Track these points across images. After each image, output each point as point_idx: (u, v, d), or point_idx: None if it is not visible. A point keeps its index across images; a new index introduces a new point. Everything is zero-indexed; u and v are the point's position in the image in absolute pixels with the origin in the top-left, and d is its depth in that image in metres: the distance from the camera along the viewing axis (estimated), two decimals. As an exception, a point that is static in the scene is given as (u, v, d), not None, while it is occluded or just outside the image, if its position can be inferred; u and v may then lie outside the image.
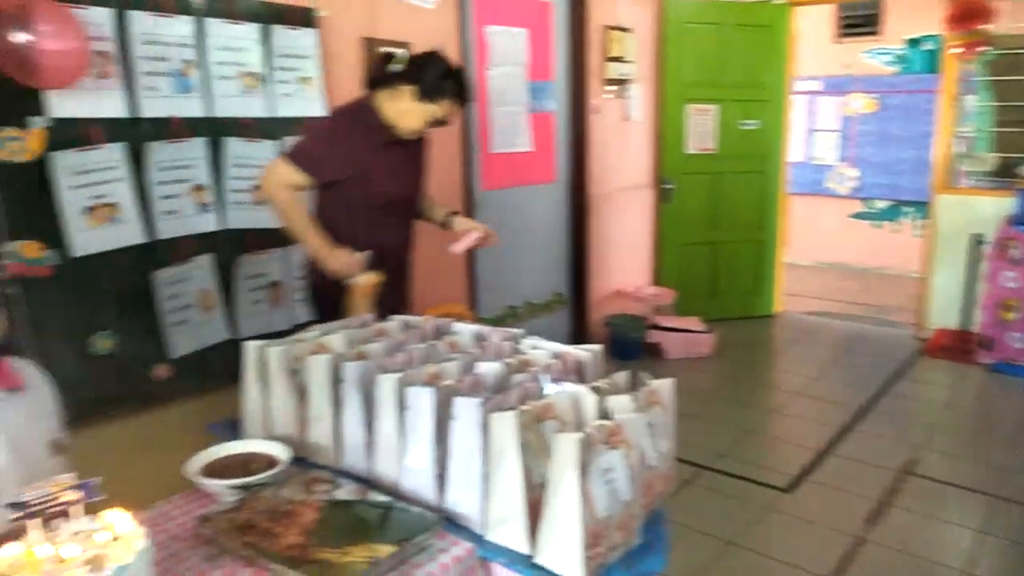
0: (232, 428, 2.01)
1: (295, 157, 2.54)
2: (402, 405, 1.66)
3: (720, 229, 5.94)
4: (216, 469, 1.72)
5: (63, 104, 2.47)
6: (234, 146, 2.96)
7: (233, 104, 2.94)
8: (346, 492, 1.65)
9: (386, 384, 1.69)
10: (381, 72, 2.67)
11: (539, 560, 1.44)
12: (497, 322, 4.44)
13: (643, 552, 1.52)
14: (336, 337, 2.00)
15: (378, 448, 1.73)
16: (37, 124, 2.43)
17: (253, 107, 3.01)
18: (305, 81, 3.20)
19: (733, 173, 5.88)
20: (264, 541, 1.45)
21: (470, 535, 1.54)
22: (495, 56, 4.30)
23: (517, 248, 4.61)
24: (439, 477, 1.61)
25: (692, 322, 5.41)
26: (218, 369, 2.83)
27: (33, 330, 2.41)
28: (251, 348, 1.96)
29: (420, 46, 3.66)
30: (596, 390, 1.64)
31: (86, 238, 2.55)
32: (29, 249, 2.43)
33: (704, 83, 5.67)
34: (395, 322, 2.18)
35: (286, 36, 3.09)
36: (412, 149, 2.79)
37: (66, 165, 2.49)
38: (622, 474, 1.48)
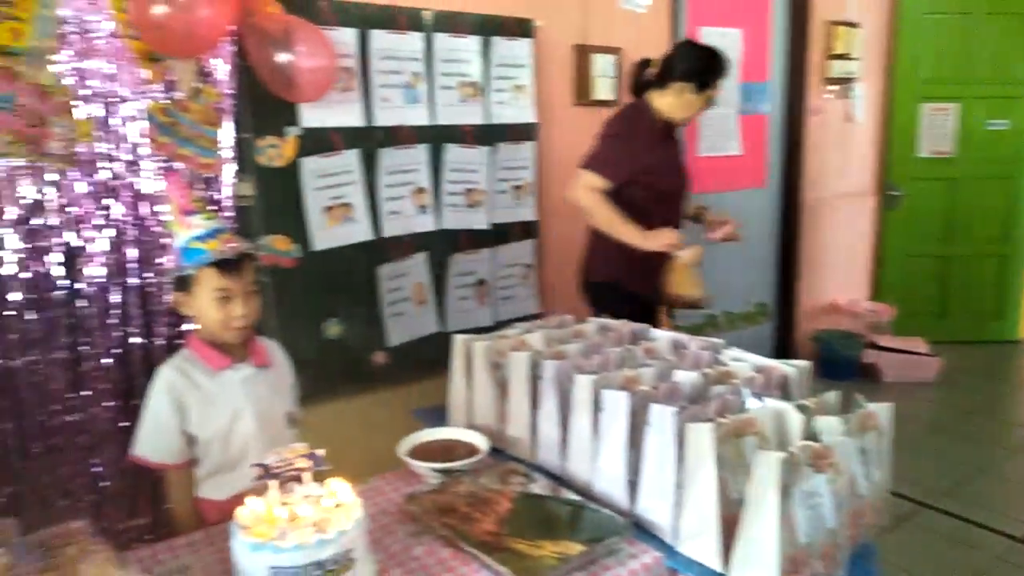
0: (436, 415, 2.15)
1: (593, 165, 2.78)
2: (597, 407, 1.69)
3: (955, 241, 5.33)
4: (422, 452, 1.86)
5: (312, 115, 2.77)
6: (452, 152, 3.16)
7: (454, 112, 3.14)
8: (539, 487, 1.70)
9: (582, 385, 1.72)
10: (642, 76, 2.88)
11: (731, 578, 1.40)
12: (695, 331, 4.30)
13: (847, 586, 1.43)
14: (536, 335, 2.07)
15: (572, 447, 1.77)
16: (291, 133, 2.75)
17: (471, 115, 3.19)
18: (519, 89, 3.34)
19: (975, 178, 5.24)
20: (463, 524, 1.54)
21: (660, 544, 1.53)
22: (707, 58, 4.20)
23: (719, 255, 4.44)
24: (631, 482, 1.61)
25: (915, 343, 4.91)
26: (427, 358, 3.03)
27: (277, 314, 2.74)
28: (459, 341, 2.08)
29: (632, 51, 3.68)
30: (802, 408, 1.56)
31: (324, 235, 2.85)
32: (279, 242, 2.77)
33: (943, 79, 5.12)
34: (593, 324, 2.22)
35: (504, 47, 3.24)
36: (676, 145, 2.99)
37: (311, 169, 2.80)
38: (828, 500, 1.39)
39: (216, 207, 2.57)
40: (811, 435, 1.51)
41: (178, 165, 2.46)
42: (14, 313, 2.26)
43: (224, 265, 1.73)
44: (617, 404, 1.62)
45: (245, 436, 1.80)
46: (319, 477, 1.47)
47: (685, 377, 1.74)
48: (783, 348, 4.94)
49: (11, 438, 2.27)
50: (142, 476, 2.39)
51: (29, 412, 2.29)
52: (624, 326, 2.18)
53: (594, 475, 1.70)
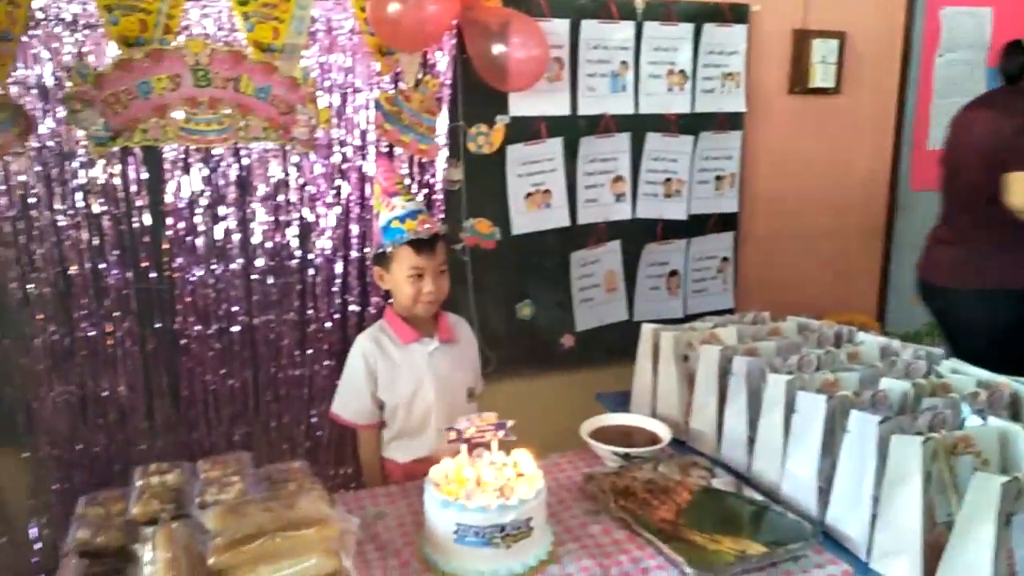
0: (618, 400, 2.16)
1: None
2: (790, 408, 1.61)
3: None
4: (603, 435, 1.88)
5: (521, 104, 2.87)
6: (654, 141, 3.13)
7: (658, 101, 3.10)
8: (722, 483, 1.66)
9: (776, 384, 1.65)
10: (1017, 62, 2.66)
11: (932, 606, 1.28)
12: (910, 339, 3.94)
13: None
14: (729, 330, 2.01)
15: (760, 447, 1.70)
16: (500, 122, 2.88)
17: (677, 104, 3.14)
18: (729, 77, 3.22)
19: None
20: (640, 509, 1.55)
21: (851, 558, 1.44)
22: (947, 41, 3.78)
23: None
24: (822, 489, 1.53)
25: None
26: (613, 346, 3.03)
27: (474, 293, 2.89)
28: (647, 330, 2.08)
29: (857, 36, 3.42)
30: (1034, 432, 1.38)
31: (523, 220, 2.95)
32: (481, 226, 2.91)
33: None
34: (791, 323, 2.11)
35: (716, 34, 3.14)
36: None
37: (516, 157, 2.92)
38: (1058, 536, 1.23)
39: (428, 191, 2.76)
40: (1044, 462, 1.34)
41: (397, 151, 2.68)
42: (258, 278, 2.59)
43: (418, 244, 1.85)
44: (813, 407, 1.54)
45: (426, 405, 1.93)
46: (505, 447, 1.55)
47: (893, 385, 1.61)
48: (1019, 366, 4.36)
49: (248, 385, 2.61)
50: (348, 429, 2.65)
51: (264, 364, 2.62)
52: (827, 327, 2.05)
53: (783, 478, 1.63)
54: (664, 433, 1.87)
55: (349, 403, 1.96)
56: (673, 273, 3.26)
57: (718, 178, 3.28)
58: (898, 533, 1.35)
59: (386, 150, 2.67)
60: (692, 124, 3.17)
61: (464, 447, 1.51)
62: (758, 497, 1.60)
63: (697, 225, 3.26)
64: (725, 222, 3.32)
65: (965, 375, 1.69)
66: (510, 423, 1.53)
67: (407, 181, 2.68)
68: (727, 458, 1.81)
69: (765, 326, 2.10)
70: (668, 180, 3.18)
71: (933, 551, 1.29)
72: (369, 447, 2.00)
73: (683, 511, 1.54)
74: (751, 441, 1.74)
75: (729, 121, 3.25)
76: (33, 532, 2.46)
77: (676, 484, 1.63)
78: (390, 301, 2.06)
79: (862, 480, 1.43)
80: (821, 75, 3.41)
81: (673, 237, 3.23)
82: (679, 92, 3.14)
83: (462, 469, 1.49)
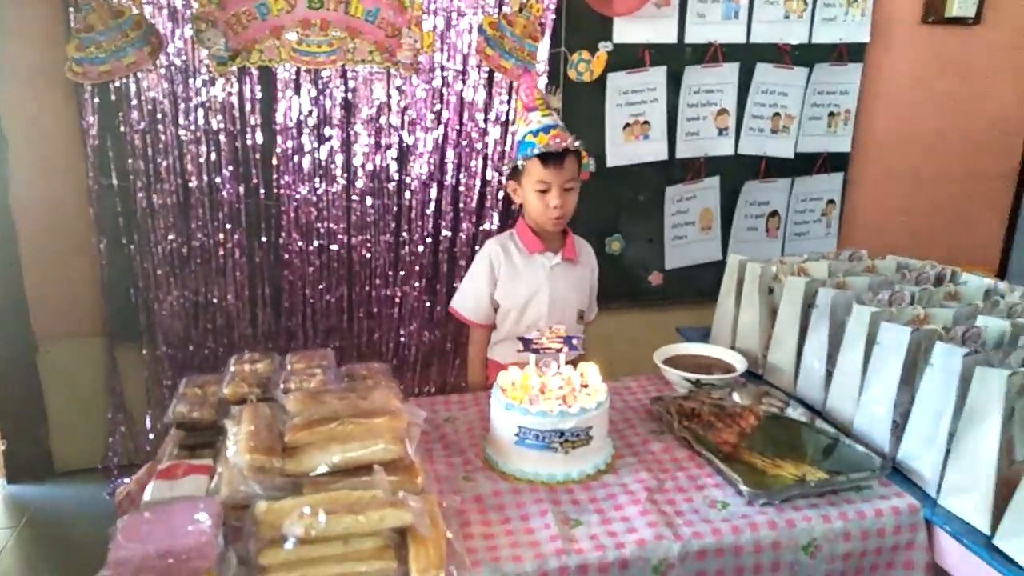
0: (699, 334, 2.13)
1: None
2: (873, 342, 1.55)
3: None
4: (678, 363, 1.87)
5: (625, 31, 2.81)
6: (763, 72, 2.99)
7: (773, 30, 2.95)
8: (796, 414, 1.63)
9: (860, 315, 1.59)
10: None
11: (999, 543, 1.22)
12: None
13: None
14: (820, 264, 1.94)
15: (837, 382, 1.65)
16: (602, 49, 2.82)
17: (792, 33, 2.97)
18: (853, 4, 3.02)
19: None
20: (703, 430, 1.55)
21: (919, 493, 1.39)
22: (1116, -34, 3.36)
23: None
24: (896, 424, 1.47)
25: None
26: (704, 286, 2.97)
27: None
28: (733, 260, 2.03)
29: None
30: None
31: (619, 151, 2.92)
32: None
33: None
34: (891, 261, 2.00)
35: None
36: None
37: (617, 86, 2.87)
38: None
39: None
40: None
41: (499, 73, 2.68)
42: (357, 198, 2.70)
43: (546, 158, 1.87)
44: (896, 338, 1.47)
45: (537, 314, 1.99)
46: (574, 361, 1.58)
47: (990, 323, 1.51)
48: None
49: (344, 301, 2.75)
50: (437, 349, 2.76)
51: (359, 282, 2.75)
52: (928, 267, 1.93)
53: (858, 411, 1.58)
54: (739, 364, 1.84)
55: (469, 302, 2.05)
56: (773, 214, 3.14)
57: (831, 114, 3.11)
58: (971, 468, 1.29)
59: (485, 76, 2.69)
60: (808, 55, 3.01)
61: (532, 356, 1.55)
62: (830, 429, 1.56)
63: (804, 164, 3.12)
64: (835, 162, 3.16)
65: (1076, 319, 1.56)
66: (580, 337, 1.56)
67: (497, 102, 2.69)
68: (803, 394, 1.77)
69: (861, 263, 2.00)
70: (776, 115, 3.05)
71: (1008, 490, 1.23)
72: (479, 345, 2.09)
73: (747, 435, 1.53)
74: (829, 376, 1.69)
75: (850, 52, 3.05)
76: (148, 422, 2.73)
77: (744, 410, 1.61)
78: (521, 215, 2.10)
79: (940, 415, 1.37)
80: (960, 2, 3.13)
81: (777, 176, 3.10)
82: (797, 19, 2.97)
83: (529, 377, 1.53)
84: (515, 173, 1.95)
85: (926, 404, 1.40)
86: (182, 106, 2.51)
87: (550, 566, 1.20)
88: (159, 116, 2.50)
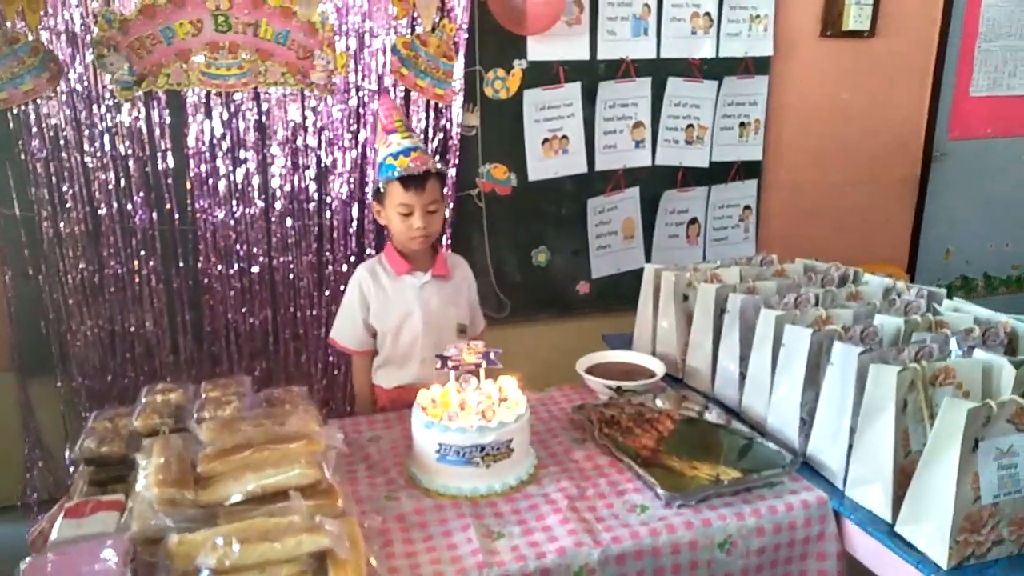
0: (623, 340, 2.18)
1: None
2: (779, 343, 1.61)
3: None
4: (601, 371, 1.90)
5: (538, 48, 2.85)
6: (676, 86, 3.08)
7: (681, 45, 3.04)
8: (713, 416, 1.68)
9: (767, 319, 1.65)
10: None
11: (900, 530, 1.29)
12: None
13: (1043, 562, 1.24)
14: (731, 270, 2.01)
15: (750, 382, 1.71)
16: (517, 66, 2.87)
17: (700, 48, 3.08)
18: (757, 20, 3.14)
19: None
20: (622, 436, 1.58)
21: (827, 486, 1.45)
22: (993, -19, 3.60)
23: (982, 210, 3.87)
24: (804, 421, 1.53)
25: None
26: (629, 293, 3.00)
27: (490, 239, 2.92)
28: (649, 270, 2.09)
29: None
30: (1021, 364, 1.36)
31: (540, 165, 2.96)
32: (497, 171, 2.93)
33: None
34: (798, 264, 2.09)
35: (742, -24, 3.06)
36: None
37: (533, 102, 2.91)
38: (1028, 463, 1.22)
39: (444, 136, 2.78)
40: (1026, 394, 1.32)
41: (415, 92, 2.69)
42: (277, 220, 2.66)
43: (407, 181, 1.85)
44: (798, 340, 1.54)
45: (413, 335, 1.96)
46: (492, 375, 1.59)
47: (886, 321, 1.59)
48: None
49: (268, 324, 2.70)
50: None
51: (283, 304, 2.71)
52: (832, 269, 2.02)
53: (769, 411, 1.64)
54: (659, 369, 1.88)
55: (345, 330, 2.02)
56: (693, 221, 3.24)
57: (742, 124, 3.22)
58: (872, 461, 1.35)
59: (402, 95, 2.69)
60: (716, 68, 3.11)
61: (452, 374, 1.55)
62: (744, 429, 1.61)
63: (719, 173, 3.23)
64: (748, 170, 3.28)
65: (964, 313, 1.66)
66: (497, 352, 1.57)
67: (414, 120, 2.70)
68: (720, 394, 1.83)
69: (770, 267, 2.08)
70: (690, 126, 3.14)
71: (906, 478, 1.29)
72: (360, 372, 2.07)
73: (664, 439, 1.57)
74: (742, 377, 1.75)
75: (756, 65, 3.18)
76: (67, 456, 2.61)
77: (660, 414, 1.66)
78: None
79: (842, 411, 1.43)
80: (856, 17, 3.30)
81: (694, 184, 3.20)
82: (703, 36, 3.07)
83: (448, 394, 1.54)
84: (379, 195, 1.93)
85: (829, 401, 1.47)
86: (87, 132, 2.44)
87: (472, 581, 1.20)
88: (62, 143, 2.42)
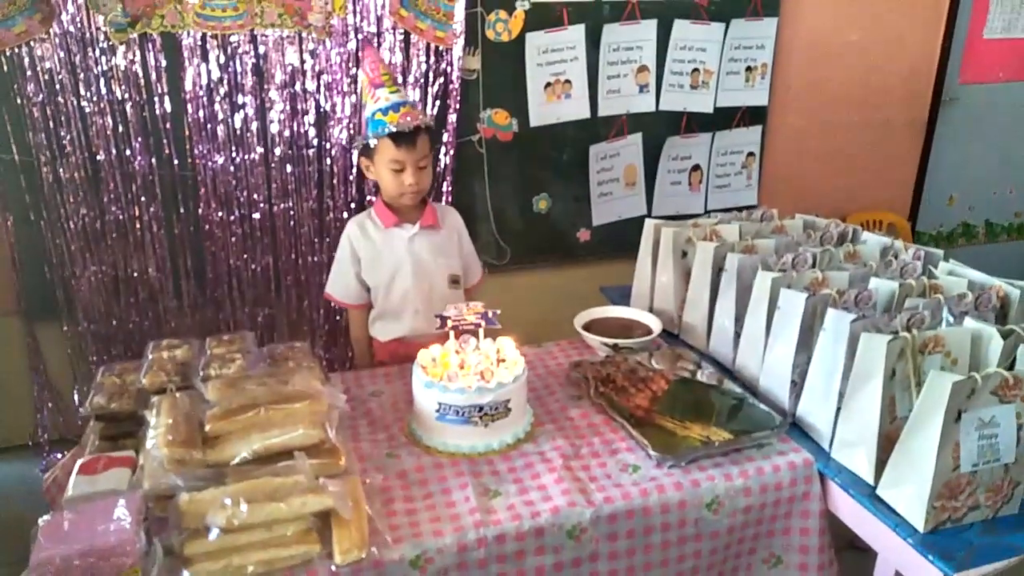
0: (622, 294, 2.20)
1: None
2: (774, 305, 1.63)
3: None
4: (599, 326, 1.93)
5: (541, -12, 2.78)
6: (682, 28, 3.01)
7: (690, -16, 2.97)
8: (706, 375, 1.71)
9: (763, 281, 1.67)
10: None
11: (881, 493, 1.34)
12: (941, 239, 3.84)
13: (1016, 524, 1.29)
14: (731, 227, 2.01)
15: (744, 342, 1.74)
16: (520, 7, 2.79)
17: (708, -13, 3.00)
18: (768, -41, 3.05)
19: None
20: (617, 395, 1.62)
21: (814, 447, 1.50)
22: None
23: (990, 156, 3.83)
24: (795, 383, 1.57)
25: None
26: (630, 240, 3.02)
27: (491, 186, 2.91)
28: (649, 225, 2.09)
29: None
30: (1008, 333, 1.39)
31: (542, 110, 2.92)
32: (499, 117, 2.89)
33: None
34: (798, 220, 2.09)
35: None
36: None
37: (536, 45, 2.85)
38: (1008, 432, 1.26)
39: (444, 80, 2.73)
40: (1013, 363, 1.35)
41: (415, 34, 2.64)
42: (276, 166, 2.65)
43: (398, 137, 1.83)
44: (793, 304, 1.56)
45: (404, 287, 1.98)
46: (492, 334, 1.62)
47: (881, 285, 1.61)
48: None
49: (270, 269, 2.72)
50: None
51: (284, 250, 2.72)
52: (832, 226, 2.03)
53: (762, 371, 1.67)
54: (656, 326, 1.91)
55: (337, 284, 2.05)
56: (696, 168, 3.22)
57: (748, 69, 3.16)
58: (858, 426, 1.39)
59: (402, 38, 2.64)
60: (724, 10, 3.04)
61: (452, 333, 1.58)
62: (736, 390, 1.65)
63: (723, 118, 3.19)
64: (753, 115, 3.23)
65: (959, 277, 1.67)
66: (496, 312, 1.59)
67: (414, 64, 2.65)
68: (715, 352, 1.86)
69: (770, 223, 2.09)
70: (695, 71, 3.08)
71: (890, 443, 1.33)
72: (356, 325, 2.10)
73: (658, 399, 1.61)
74: (737, 336, 1.78)
75: (764, 6, 3.10)
76: (76, 398, 2.68)
77: (654, 374, 1.69)
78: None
79: (832, 375, 1.47)
80: (870, -45, 3.20)
81: (698, 130, 3.16)
82: (712, -27, 2.98)
83: (448, 354, 1.57)
84: (367, 151, 1.92)
85: (820, 365, 1.50)
86: (82, 76, 2.40)
87: (469, 538, 1.26)
88: (58, 87, 2.39)
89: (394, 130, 1.83)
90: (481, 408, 1.47)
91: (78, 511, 1.19)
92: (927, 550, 1.23)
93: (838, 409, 1.46)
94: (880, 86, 3.43)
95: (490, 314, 1.58)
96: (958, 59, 3.58)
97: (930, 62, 3.52)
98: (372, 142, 1.88)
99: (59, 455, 2.66)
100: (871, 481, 1.37)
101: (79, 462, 1.36)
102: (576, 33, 2.88)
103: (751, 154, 3.28)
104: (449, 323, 1.57)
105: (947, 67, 3.54)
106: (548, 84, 2.90)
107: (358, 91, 2.63)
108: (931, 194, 3.76)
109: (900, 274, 1.73)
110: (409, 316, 1.98)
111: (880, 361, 1.34)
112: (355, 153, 2.69)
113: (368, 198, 2.75)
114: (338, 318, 2.83)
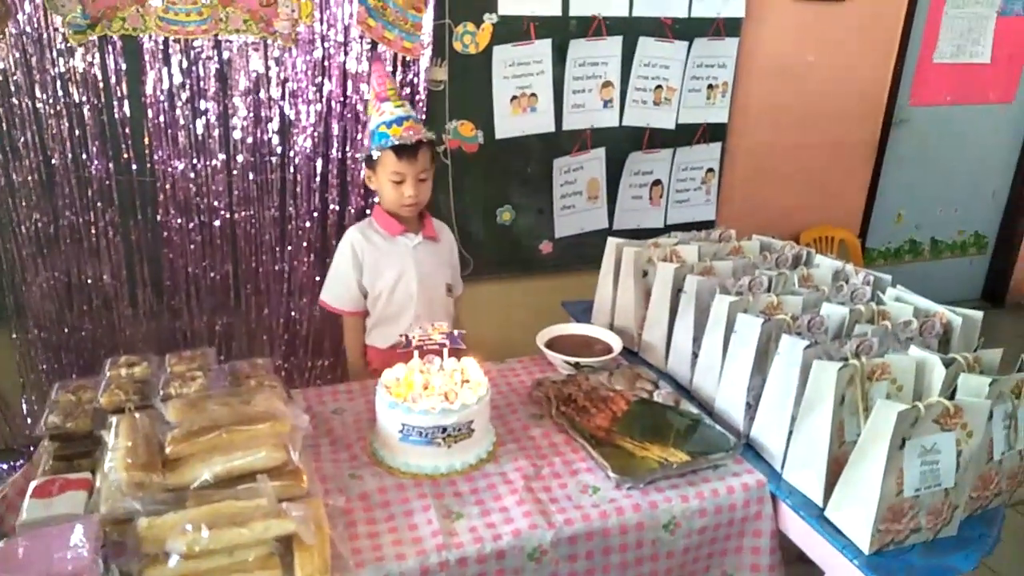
0: (583, 308, 2.24)
1: None
2: (731, 328, 1.68)
3: None
4: (561, 343, 1.96)
5: (509, 2, 2.80)
6: (646, 46, 3.06)
7: (653, 4, 3.01)
8: (663, 396, 1.75)
9: (721, 304, 1.71)
10: None
11: (829, 515, 1.39)
12: (889, 256, 3.98)
13: (954, 546, 1.36)
14: (690, 248, 2.06)
15: (702, 363, 1.79)
16: (487, 21, 2.81)
17: (672, 6, 3.04)
18: (729, -20, 3.11)
19: None
20: (578, 416, 1.65)
21: (767, 469, 1.55)
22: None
23: (936, 175, 3.98)
24: (750, 405, 1.62)
25: None
26: (591, 253, 3.05)
27: (455, 196, 2.92)
28: (611, 244, 2.12)
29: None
30: (951, 362, 1.45)
31: (507, 123, 2.94)
32: (464, 128, 2.91)
33: None
34: (755, 242, 2.15)
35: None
36: None
37: (502, 58, 2.87)
38: (949, 458, 1.32)
39: (411, 90, 2.74)
40: (954, 392, 1.42)
41: (382, 48, 2.63)
42: (238, 174, 2.62)
43: (400, 150, 1.90)
44: (749, 328, 1.61)
45: (407, 293, 2.04)
46: (457, 354, 1.64)
47: (832, 311, 1.67)
48: (995, 288, 4.38)
49: (229, 278, 2.69)
50: (329, 323, 2.75)
51: (245, 258, 2.69)
52: (787, 248, 2.09)
53: (718, 392, 1.72)
54: (616, 345, 1.95)
55: (335, 290, 2.06)
56: (656, 183, 3.27)
57: (710, 87, 3.23)
58: (809, 449, 1.45)
59: (368, 48, 2.63)
60: (688, 29, 3.10)
61: (416, 353, 1.59)
62: (693, 411, 1.69)
63: (684, 135, 3.25)
64: (713, 133, 3.30)
65: (905, 303, 1.74)
66: (461, 333, 1.61)
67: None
68: (673, 371, 1.90)
69: (728, 244, 2.14)
70: (659, 87, 3.14)
71: (839, 466, 1.39)
72: (353, 333, 2.12)
73: (618, 420, 1.64)
74: (695, 357, 1.82)
75: (727, 27, 3.16)
76: (24, 407, 2.62)
77: (615, 394, 1.73)
78: (377, 200, 2.11)
79: (785, 399, 1.52)
80: (831, -21, 3.29)
81: (659, 146, 3.22)
82: (677, -6, 3.04)
83: (412, 373, 1.58)
84: (370, 161, 1.98)
85: (774, 389, 1.55)
86: (38, 77, 2.35)
87: (431, 562, 1.27)
88: (12, 88, 2.33)
89: (396, 143, 1.89)
90: (445, 429, 1.48)
91: (33, 536, 1.18)
92: (871, 571, 1.29)
93: (790, 432, 1.51)
94: (834, 107, 3.53)
95: (456, 334, 1.60)
96: (909, 82, 3.71)
97: (882, 85, 3.64)
98: (375, 154, 1.94)
99: (3, 465, 2.60)
100: (820, 503, 1.42)
101: (33, 484, 1.33)
102: (543, 47, 2.91)
103: (710, 170, 3.35)
104: (414, 342, 1.59)
105: (899, 89, 3.66)
106: (514, 97, 2.92)
107: (327, 95, 2.62)
108: (880, 212, 3.88)
109: (851, 298, 1.79)
110: (409, 322, 2.01)
111: (831, 388, 1.39)
112: (319, 162, 2.68)
113: (331, 207, 2.74)
114: (299, 327, 2.81)
